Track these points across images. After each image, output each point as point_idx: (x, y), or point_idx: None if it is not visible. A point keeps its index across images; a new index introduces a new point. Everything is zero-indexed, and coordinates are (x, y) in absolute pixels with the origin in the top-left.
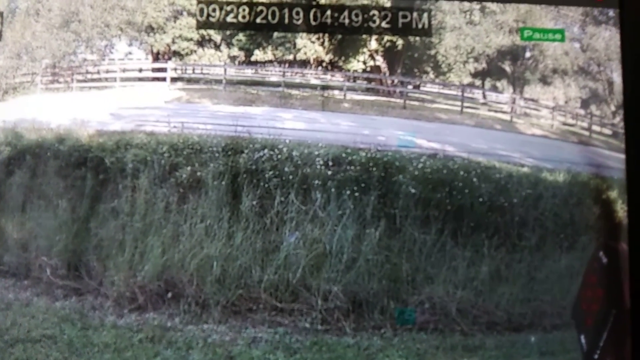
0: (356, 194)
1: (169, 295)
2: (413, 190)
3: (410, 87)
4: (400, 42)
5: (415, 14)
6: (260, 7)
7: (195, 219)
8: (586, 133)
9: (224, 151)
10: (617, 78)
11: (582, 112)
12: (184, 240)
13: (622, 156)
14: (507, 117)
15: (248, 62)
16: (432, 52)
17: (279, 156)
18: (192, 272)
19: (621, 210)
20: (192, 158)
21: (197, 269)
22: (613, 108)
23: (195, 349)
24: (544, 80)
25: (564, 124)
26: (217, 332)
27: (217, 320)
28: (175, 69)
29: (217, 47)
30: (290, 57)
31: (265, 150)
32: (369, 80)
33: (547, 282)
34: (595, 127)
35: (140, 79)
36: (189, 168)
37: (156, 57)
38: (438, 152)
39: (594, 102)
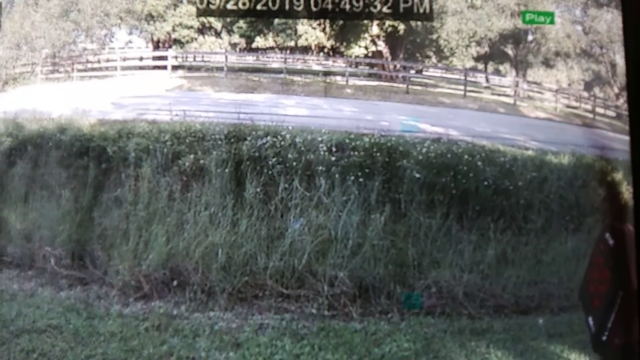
0: (360, 179)
1: (175, 283)
2: (417, 175)
3: (412, 71)
4: (401, 27)
5: None
6: None
7: (199, 207)
8: (590, 115)
9: (226, 139)
10: (619, 60)
11: (585, 94)
12: (189, 228)
13: (627, 138)
14: (510, 100)
15: (249, 49)
16: (434, 36)
17: (282, 143)
18: (197, 260)
19: (626, 191)
20: (195, 146)
21: (202, 257)
22: (616, 90)
23: (202, 336)
24: (547, 63)
25: (568, 106)
26: (224, 320)
27: (223, 308)
28: (176, 57)
29: (217, 34)
30: (292, 43)
31: (268, 137)
32: (371, 65)
33: (553, 265)
34: (598, 109)
35: (141, 68)
36: (191, 156)
37: (157, 45)
38: (442, 137)
39: (597, 85)
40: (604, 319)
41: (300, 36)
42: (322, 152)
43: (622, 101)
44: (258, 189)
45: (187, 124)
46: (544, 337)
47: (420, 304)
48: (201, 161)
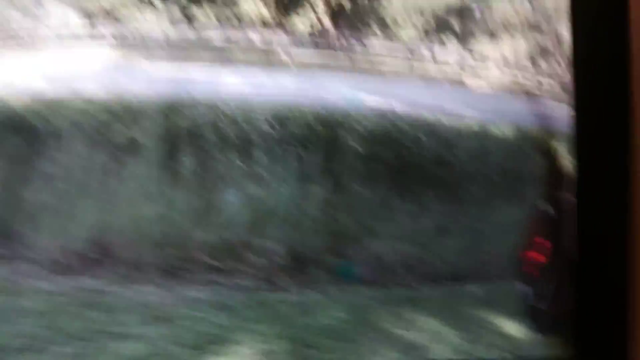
0: (301, 153)
1: (105, 258)
2: (359, 148)
3: (356, 44)
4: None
5: None
6: None
7: (133, 182)
8: (534, 88)
9: (162, 113)
10: (565, 33)
11: (530, 67)
12: (121, 203)
13: (570, 109)
14: (455, 73)
15: (188, 22)
16: (379, 9)
17: (221, 116)
18: (129, 235)
19: (568, 162)
20: (130, 120)
21: (134, 232)
22: (561, 63)
23: (132, 312)
24: (492, 36)
25: (512, 79)
26: (156, 295)
27: (155, 283)
28: (111, 31)
29: (155, 7)
30: (233, 16)
31: (207, 111)
32: (315, 38)
33: (492, 234)
34: (543, 82)
35: (74, 42)
36: (126, 130)
37: (92, 19)
38: (385, 110)
39: (542, 57)
40: (543, 288)
41: (241, 9)
42: (262, 126)
43: (566, 74)
44: (194, 163)
45: (122, 98)
46: (481, 305)
47: (356, 275)
48: (136, 135)
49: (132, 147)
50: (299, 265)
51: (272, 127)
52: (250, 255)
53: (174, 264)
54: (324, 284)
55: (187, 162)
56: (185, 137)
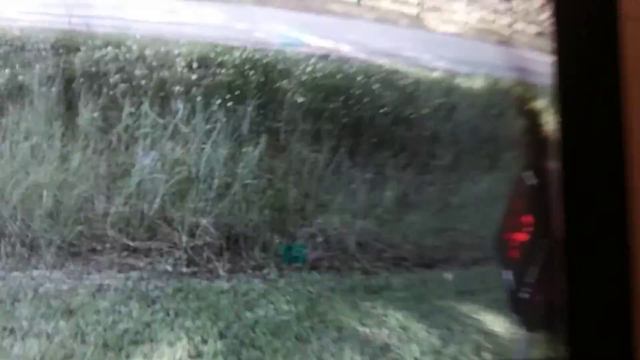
0: (229, 103)
1: None
2: (300, 99)
3: None
4: None
5: None
6: None
7: (18, 136)
8: (508, 31)
9: (53, 49)
10: None
11: (502, 6)
12: (4, 164)
13: (550, 58)
14: (414, 11)
15: None
16: None
17: (127, 55)
18: (16, 205)
19: (550, 122)
20: (12, 58)
21: (21, 201)
22: (539, 1)
23: (24, 301)
24: None
25: (482, 20)
26: (52, 280)
27: (50, 265)
28: None
29: None
30: None
31: (109, 48)
32: None
33: (464, 209)
34: (518, 25)
35: None
36: (7, 71)
37: None
38: (331, 53)
39: None
40: (525, 273)
41: None
42: (179, 69)
43: (545, 15)
44: (95, 114)
45: (2, 29)
46: (452, 294)
47: (303, 257)
48: (20, 77)
49: (15, 92)
50: (233, 246)
51: (194, 70)
52: (172, 233)
53: (76, 242)
54: (265, 268)
55: (87, 114)
56: (84, 82)
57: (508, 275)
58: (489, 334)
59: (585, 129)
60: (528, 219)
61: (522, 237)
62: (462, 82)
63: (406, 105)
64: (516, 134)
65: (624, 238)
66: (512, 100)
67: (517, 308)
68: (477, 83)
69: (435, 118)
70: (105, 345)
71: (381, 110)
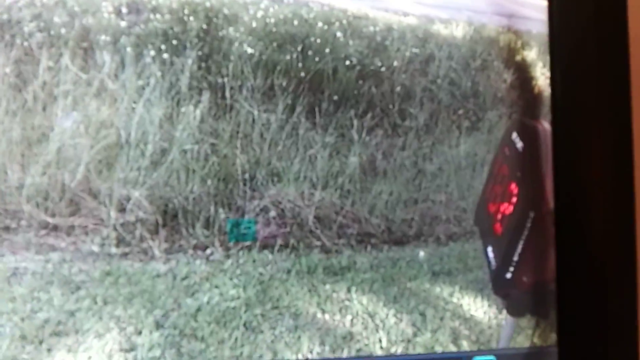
0: (165, 55)
1: None
2: (250, 50)
3: None
4: None
5: None
6: None
7: None
8: None
9: None
10: None
11: None
12: None
13: (544, 2)
14: None
15: None
16: None
17: (45, 0)
18: None
19: (542, 76)
20: None
21: None
22: None
23: None
24: None
25: None
26: None
27: None
28: None
29: None
30: None
31: None
32: None
33: (440, 177)
34: None
35: None
36: None
37: None
38: None
39: None
40: (509, 250)
41: None
42: (105, 15)
43: None
44: (7, 69)
45: None
46: (426, 275)
47: (253, 234)
48: None
49: None
50: (171, 222)
51: (123, 16)
52: (99, 207)
53: None
54: (208, 248)
55: None
56: None
57: (490, 253)
58: (468, 320)
59: (582, 84)
60: (514, 187)
61: (507, 209)
62: (440, 29)
63: (374, 56)
64: (502, 90)
65: (626, 211)
66: (498, 50)
67: (501, 290)
68: (457, 30)
69: (408, 71)
70: (23, 337)
71: (345, 63)
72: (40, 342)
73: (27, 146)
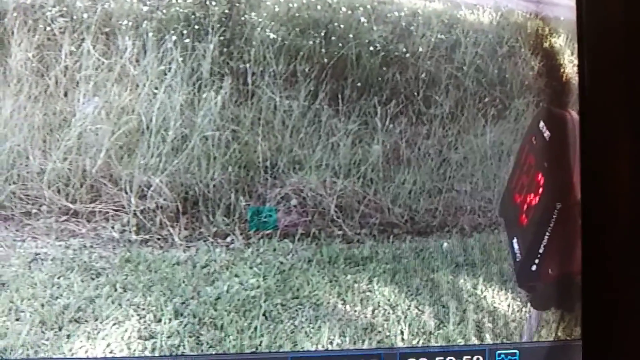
0: (186, 40)
1: None
2: (272, 35)
3: None
4: None
5: None
6: None
7: None
8: None
9: None
10: None
11: None
12: None
13: None
14: None
15: None
16: None
17: None
18: None
19: (570, 64)
20: None
21: None
22: None
23: None
24: None
25: None
26: None
27: None
28: None
29: None
30: None
31: None
32: None
33: (465, 166)
34: None
35: None
36: None
37: None
38: None
39: None
40: (535, 242)
41: None
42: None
43: None
44: (30, 54)
45: None
46: (450, 266)
47: (274, 223)
48: None
49: None
50: (191, 209)
51: (145, 1)
52: (119, 194)
53: (8, 205)
54: (228, 236)
55: (21, 54)
56: (17, 16)
57: (516, 245)
58: (491, 313)
59: (610, 73)
60: (540, 178)
61: (533, 200)
62: (466, 15)
63: (399, 42)
64: (529, 78)
65: None
66: (525, 37)
67: (526, 282)
68: (484, 16)
69: (434, 58)
70: (43, 323)
71: (369, 49)
72: (60, 329)
73: (48, 131)
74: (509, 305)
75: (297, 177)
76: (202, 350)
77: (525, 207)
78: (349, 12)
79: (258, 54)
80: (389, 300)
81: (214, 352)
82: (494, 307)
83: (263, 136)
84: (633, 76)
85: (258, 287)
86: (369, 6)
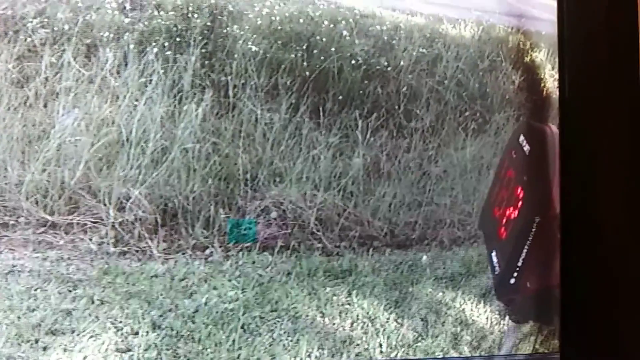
0: (168, 52)
1: None
2: (254, 48)
3: None
4: None
5: None
6: None
7: None
8: None
9: None
10: None
11: None
12: None
13: (554, 2)
14: None
15: None
16: None
17: None
18: None
19: (550, 78)
20: None
21: None
22: None
23: None
24: None
25: None
26: None
27: None
28: None
29: None
30: None
31: None
32: None
33: (445, 180)
34: None
35: None
36: None
37: None
38: None
39: None
40: (514, 255)
41: None
42: (109, 11)
43: None
44: (10, 65)
45: None
46: (429, 280)
47: (253, 235)
48: None
49: None
50: (170, 222)
51: (126, 13)
52: (98, 205)
53: None
54: (207, 248)
55: (0, 64)
56: None
57: (495, 258)
58: (470, 326)
59: (590, 88)
60: (519, 191)
61: (512, 213)
62: (448, 29)
63: (380, 56)
64: (509, 92)
65: (634, 216)
66: (507, 51)
67: (504, 295)
68: (466, 30)
69: (415, 71)
70: (19, 335)
71: (351, 62)
72: (36, 341)
73: (27, 143)
74: (487, 318)
75: (277, 189)
76: None
77: (504, 220)
78: (331, 25)
79: (240, 66)
80: (367, 313)
81: None
82: (473, 320)
83: (244, 149)
84: (613, 91)
85: (237, 299)
86: (351, 20)
